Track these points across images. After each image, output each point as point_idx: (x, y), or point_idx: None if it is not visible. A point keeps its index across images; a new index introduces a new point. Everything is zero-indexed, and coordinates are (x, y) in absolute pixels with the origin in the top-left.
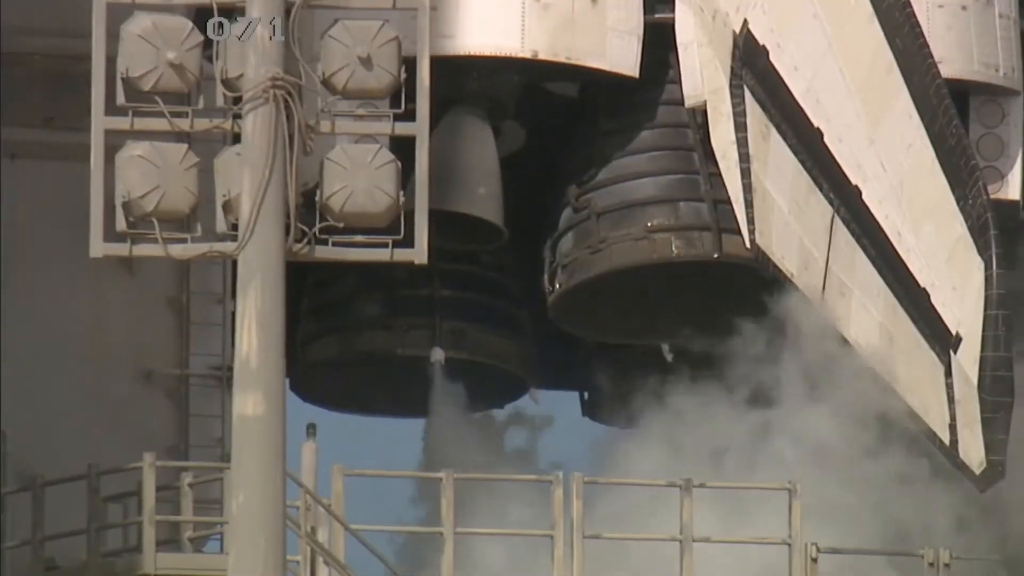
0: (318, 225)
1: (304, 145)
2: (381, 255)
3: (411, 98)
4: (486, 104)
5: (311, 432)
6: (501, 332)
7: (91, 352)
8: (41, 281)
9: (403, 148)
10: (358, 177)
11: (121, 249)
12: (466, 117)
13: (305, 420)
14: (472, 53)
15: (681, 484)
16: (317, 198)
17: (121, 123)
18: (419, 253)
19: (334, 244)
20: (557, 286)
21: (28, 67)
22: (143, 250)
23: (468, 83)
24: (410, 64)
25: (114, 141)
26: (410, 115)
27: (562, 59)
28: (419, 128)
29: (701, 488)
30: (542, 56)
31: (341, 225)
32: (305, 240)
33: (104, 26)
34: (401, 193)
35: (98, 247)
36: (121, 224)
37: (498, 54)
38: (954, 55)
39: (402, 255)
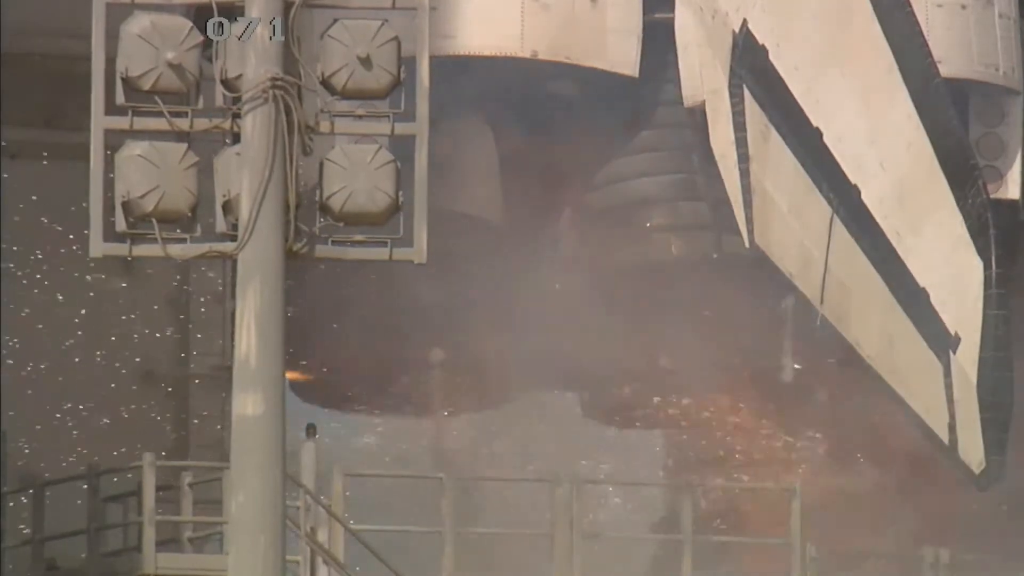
0: (318, 224)
1: (304, 145)
2: (381, 254)
3: (411, 98)
4: (486, 104)
5: (311, 432)
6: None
7: (91, 352)
8: (41, 281)
9: (403, 148)
10: (358, 177)
11: (121, 249)
12: (466, 117)
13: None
14: (472, 53)
15: (681, 484)
16: (317, 198)
17: (121, 123)
18: (418, 253)
19: (334, 243)
20: (557, 287)
21: (28, 67)
22: (143, 250)
23: (468, 83)
24: (410, 64)
25: (114, 141)
26: (410, 115)
27: (562, 59)
28: (419, 128)
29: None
30: (542, 56)
31: (341, 225)
32: (305, 240)
33: (104, 26)
34: (400, 193)
35: (98, 247)
36: (121, 224)
37: (498, 54)
38: (954, 55)
39: (402, 254)
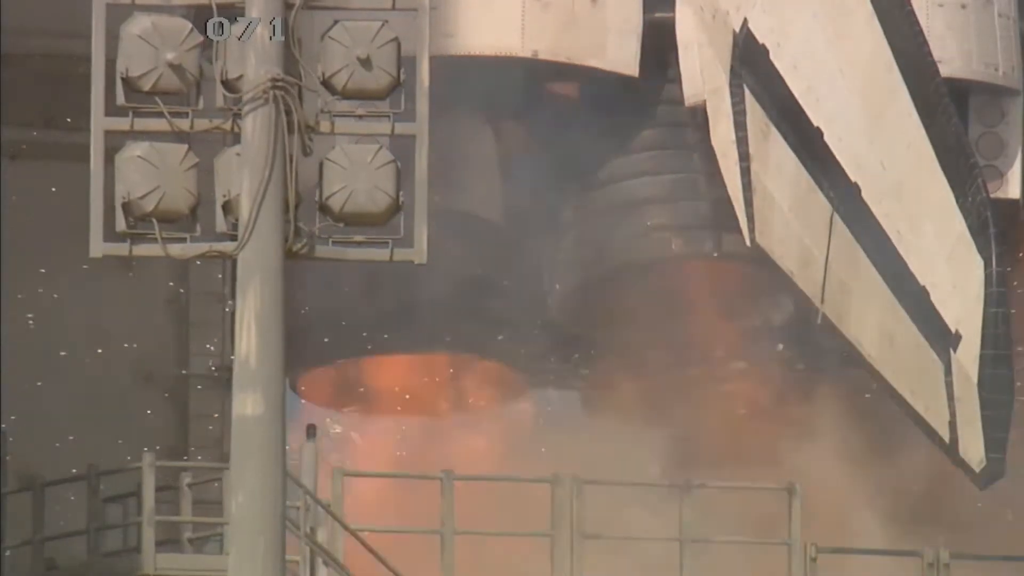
0: (318, 225)
1: (304, 145)
2: (381, 255)
3: (411, 98)
4: (486, 104)
5: (311, 433)
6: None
7: (91, 352)
8: (41, 281)
9: (403, 148)
10: (358, 177)
11: (121, 249)
12: (466, 117)
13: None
14: (472, 52)
15: (681, 484)
16: (317, 198)
17: (121, 123)
18: (419, 253)
19: (334, 244)
20: (557, 286)
21: (28, 67)
22: (143, 250)
23: (468, 83)
24: (410, 64)
25: (114, 142)
26: (410, 115)
27: (562, 59)
28: (419, 128)
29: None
30: (542, 56)
31: (341, 225)
32: (305, 240)
33: (104, 26)
34: (401, 193)
35: (98, 247)
36: (121, 224)
37: (498, 54)
38: (954, 54)
39: (402, 255)
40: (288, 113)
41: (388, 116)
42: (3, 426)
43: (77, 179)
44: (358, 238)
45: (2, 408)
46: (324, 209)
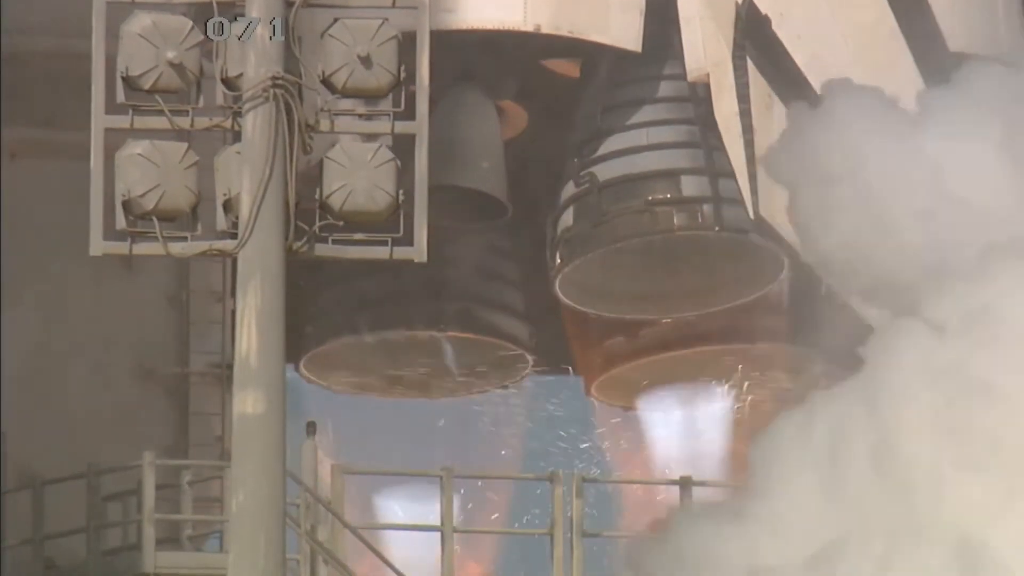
0: (318, 223)
1: (304, 144)
2: (381, 253)
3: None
4: (488, 80)
5: (311, 430)
6: (507, 312)
7: (91, 351)
8: (41, 281)
9: (403, 145)
10: (358, 176)
11: (121, 248)
12: (468, 92)
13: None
14: (474, 27)
15: (679, 481)
16: (317, 197)
17: (121, 122)
18: (419, 252)
19: (334, 242)
20: (559, 260)
21: (28, 67)
22: (143, 248)
23: (470, 58)
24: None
25: (114, 140)
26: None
27: (564, 33)
28: (419, 127)
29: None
30: (545, 30)
31: (341, 224)
32: (305, 239)
33: (104, 25)
34: (400, 192)
35: (98, 246)
36: (121, 223)
37: (501, 28)
38: (957, 30)
39: (402, 253)
40: (288, 111)
41: (388, 115)
42: (3, 426)
43: (77, 178)
44: (358, 236)
45: (2, 408)
46: (324, 207)
